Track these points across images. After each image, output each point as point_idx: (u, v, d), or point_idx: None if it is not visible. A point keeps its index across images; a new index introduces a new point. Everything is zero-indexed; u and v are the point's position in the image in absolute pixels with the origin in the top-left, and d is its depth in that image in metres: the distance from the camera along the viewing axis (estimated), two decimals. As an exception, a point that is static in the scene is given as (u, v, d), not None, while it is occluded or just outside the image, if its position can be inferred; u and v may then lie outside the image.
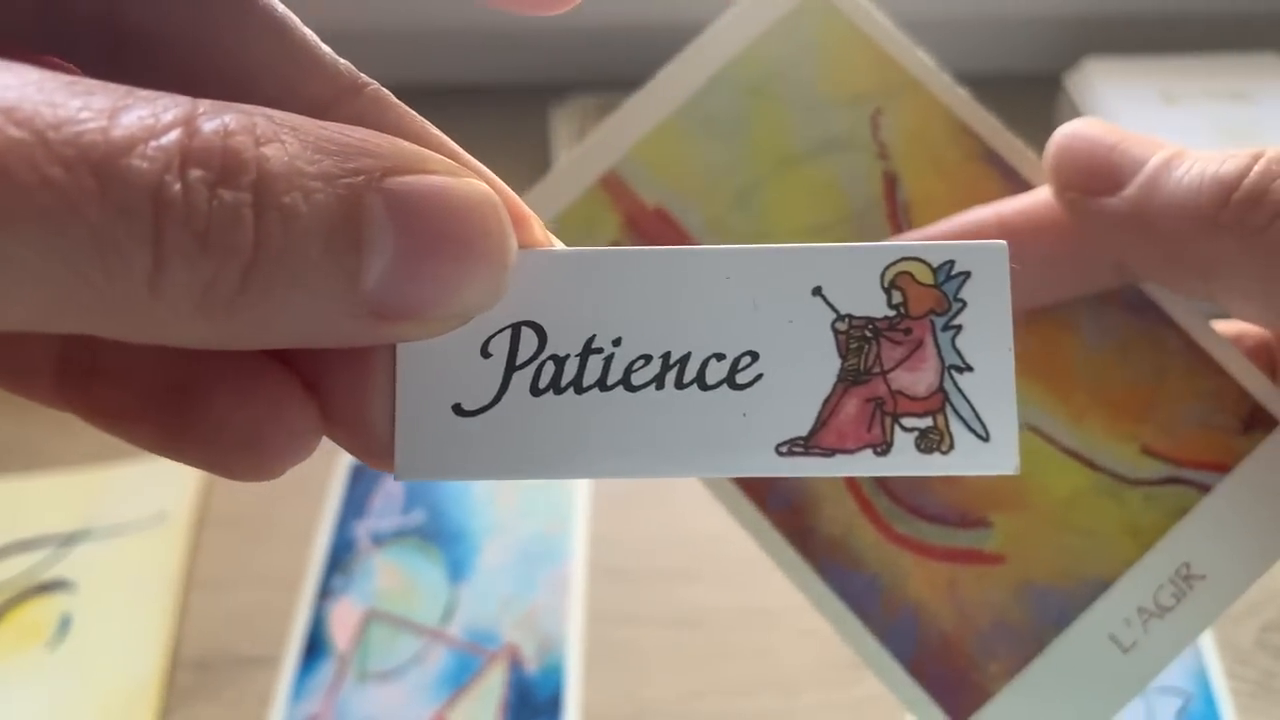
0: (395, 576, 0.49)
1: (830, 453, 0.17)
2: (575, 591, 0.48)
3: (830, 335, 0.17)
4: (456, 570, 0.49)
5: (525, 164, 0.72)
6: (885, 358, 0.17)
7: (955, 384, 0.17)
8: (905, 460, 0.17)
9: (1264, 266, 0.20)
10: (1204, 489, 0.23)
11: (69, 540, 0.51)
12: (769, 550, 0.24)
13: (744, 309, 0.17)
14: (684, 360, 0.17)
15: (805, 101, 0.25)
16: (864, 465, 0.17)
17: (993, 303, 0.16)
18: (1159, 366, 0.24)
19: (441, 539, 0.50)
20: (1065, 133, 0.22)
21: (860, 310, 0.17)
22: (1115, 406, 0.24)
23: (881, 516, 0.24)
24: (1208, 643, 0.44)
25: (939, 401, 0.17)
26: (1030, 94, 0.71)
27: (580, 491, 0.52)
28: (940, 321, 0.17)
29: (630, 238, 0.25)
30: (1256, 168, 0.20)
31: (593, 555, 0.49)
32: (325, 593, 0.48)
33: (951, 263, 0.17)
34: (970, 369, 0.17)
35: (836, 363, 0.17)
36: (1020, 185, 0.24)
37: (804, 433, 0.17)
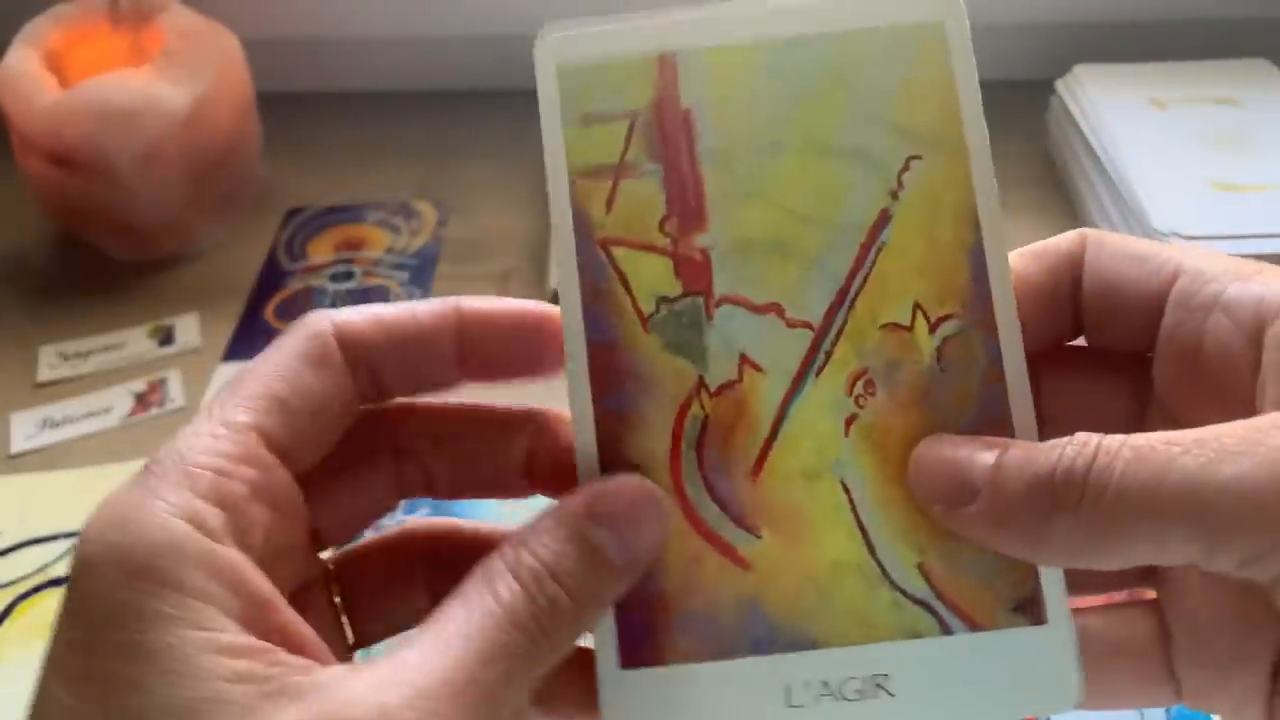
0: (400, 571, 0.49)
1: None
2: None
3: None
4: (460, 565, 0.49)
5: (529, 165, 0.73)
6: None
7: None
8: None
9: (1091, 535, 0.22)
10: (946, 630, 0.24)
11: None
12: (578, 431, 0.25)
13: None
14: None
15: (867, 109, 0.25)
16: None
17: None
18: None
19: (446, 535, 0.50)
20: (916, 457, 0.24)
21: None
22: (925, 519, 0.24)
23: (680, 473, 0.25)
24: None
25: None
26: (1022, 100, 0.71)
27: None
28: None
29: (650, 119, 0.25)
30: (1065, 452, 0.22)
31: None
32: (331, 588, 0.49)
33: None
34: None
35: None
36: (980, 290, 0.25)
37: None
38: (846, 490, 0.25)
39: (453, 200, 0.71)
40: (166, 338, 0.62)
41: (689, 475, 0.25)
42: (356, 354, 0.25)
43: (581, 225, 0.25)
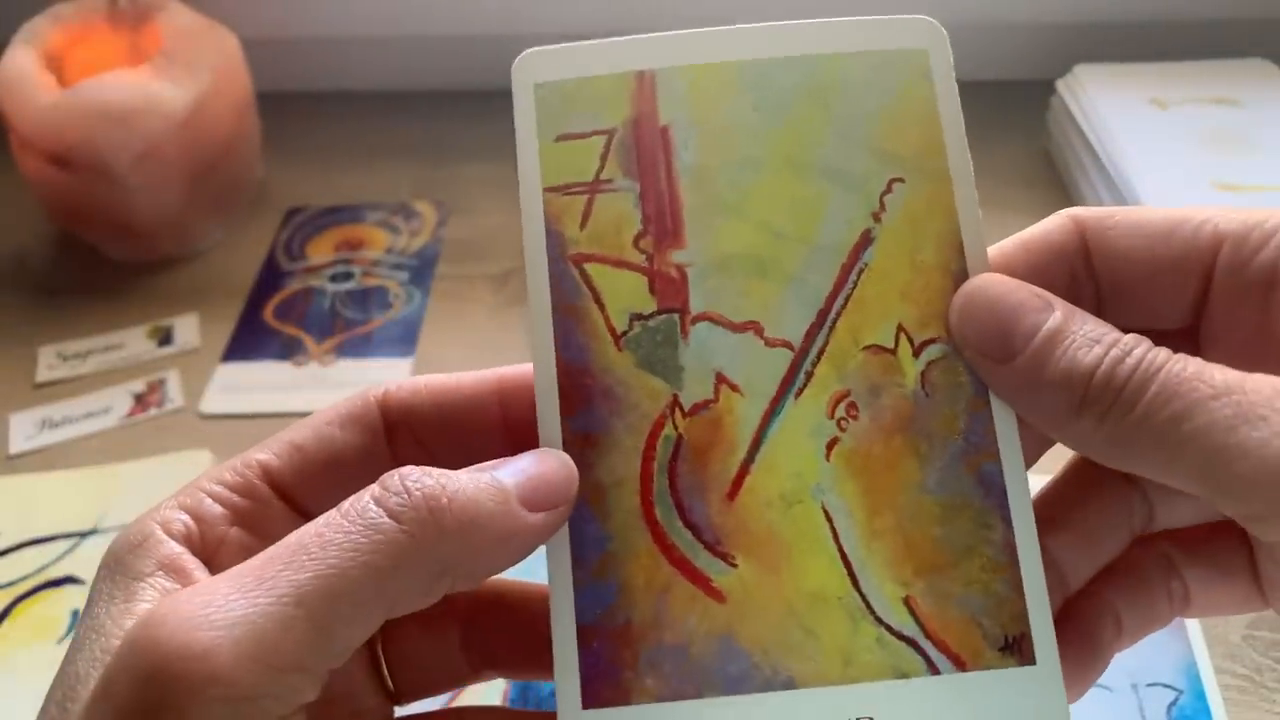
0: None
1: None
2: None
3: None
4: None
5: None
6: None
7: None
8: None
9: (1109, 442, 0.22)
10: (933, 670, 0.23)
11: (80, 536, 0.51)
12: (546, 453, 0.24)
13: None
14: None
15: (848, 131, 0.25)
16: None
17: None
18: (971, 545, 0.24)
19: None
20: (967, 292, 0.24)
21: None
22: (911, 550, 0.24)
23: (651, 495, 0.24)
24: (1198, 639, 0.44)
25: None
26: (1022, 100, 0.72)
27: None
28: None
29: (627, 135, 0.25)
30: (1109, 356, 0.22)
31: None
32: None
33: None
34: None
35: None
36: None
37: None
38: (828, 516, 0.24)
39: (453, 200, 0.71)
40: (166, 338, 0.62)
41: (660, 498, 0.24)
42: (397, 417, 0.25)
43: (554, 241, 0.25)
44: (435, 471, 0.22)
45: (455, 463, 0.24)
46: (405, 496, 0.21)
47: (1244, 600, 0.26)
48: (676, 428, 0.24)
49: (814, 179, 0.25)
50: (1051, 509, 0.27)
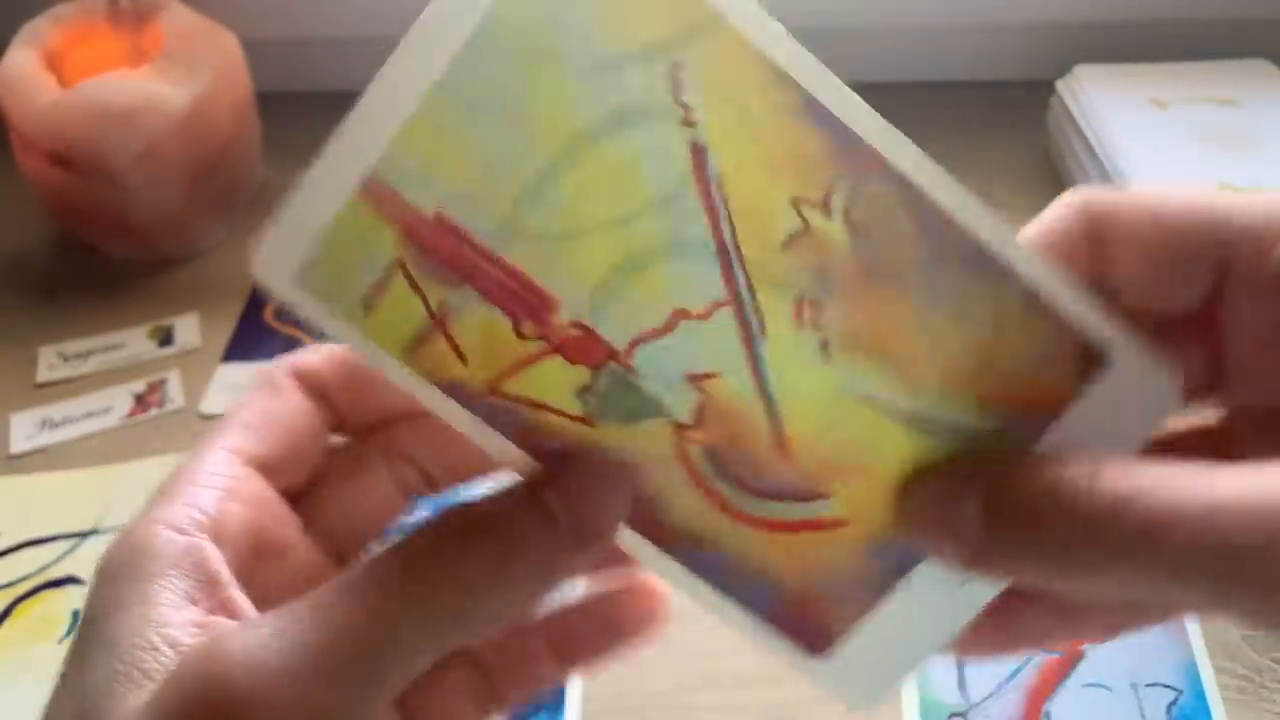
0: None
1: None
2: (577, 587, 0.48)
3: None
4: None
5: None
6: None
7: None
8: None
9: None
10: (1038, 433, 0.24)
11: (80, 537, 0.51)
12: (624, 541, 0.24)
13: None
14: None
15: (588, 59, 0.20)
16: None
17: None
18: (999, 320, 0.23)
19: (445, 535, 0.50)
20: (904, 494, 0.24)
21: None
22: (953, 365, 0.23)
23: (729, 502, 0.24)
24: (1196, 640, 0.44)
25: None
26: (1022, 100, 0.72)
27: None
28: None
29: (412, 253, 0.21)
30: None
31: (593, 552, 0.50)
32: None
33: None
34: None
35: None
36: (841, 136, 0.21)
37: None
38: (868, 402, 0.23)
39: (452, 200, 0.71)
40: (166, 338, 0.62)
41: (737, 498, 0.24)
42: (313, 385, 0.27)
43: (458, 394, 0.22)
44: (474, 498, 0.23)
45: (370, 420, 0.26)
46: (454, 533, 0.22)
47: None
48: (698, 442, 0.23)
49: (606, 137, 0.21)
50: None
